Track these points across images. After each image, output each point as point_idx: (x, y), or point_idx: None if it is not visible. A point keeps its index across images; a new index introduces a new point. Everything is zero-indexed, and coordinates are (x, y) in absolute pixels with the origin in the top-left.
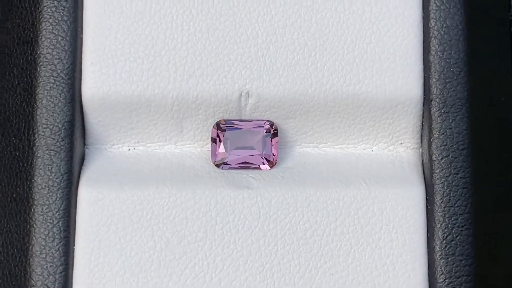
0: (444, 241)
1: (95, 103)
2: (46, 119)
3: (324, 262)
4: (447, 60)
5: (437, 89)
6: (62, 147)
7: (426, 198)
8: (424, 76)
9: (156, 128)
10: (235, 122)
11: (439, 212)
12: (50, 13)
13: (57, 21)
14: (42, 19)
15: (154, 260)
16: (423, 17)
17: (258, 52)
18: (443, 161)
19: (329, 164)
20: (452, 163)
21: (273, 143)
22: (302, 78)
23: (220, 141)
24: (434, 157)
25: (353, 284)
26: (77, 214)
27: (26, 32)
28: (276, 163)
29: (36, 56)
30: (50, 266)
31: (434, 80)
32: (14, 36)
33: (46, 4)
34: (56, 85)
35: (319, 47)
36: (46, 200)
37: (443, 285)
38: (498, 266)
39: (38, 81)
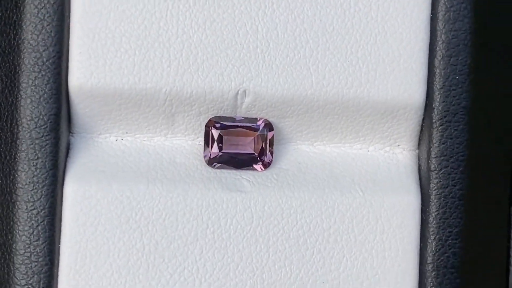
0: (437, 254)
1: (82, 94)
2: (30, 111)
3: (316, 270)
4: (453, 66)
5: (440, 96)
6: (47, 141)
7: (422, 208)
8: (428, 81)
9: (146, 121)
10: (229, 119)
11: (434, 223)
12: None
13: (42, 4)
14: (26, 0)
15: (143, 263)
16: (431, 19)
17: (258, 49)
18: (441, 172)
19: (324, 166)
20: (451, 175)
21: (268, 142)
22: (302, 78)
23: (213, 139)
24: (432, 167)
25: None
26: (63, 212)
27: (8, 12)
28: (270, 164)
29: (19, 41)
30: (35, 265)
31: (438, 86)
32: None
33: None
34: (42, 75)
35: (321, 46)
36: (30, 197)
37: None
38: (486, 285)
39: (22, 69)
